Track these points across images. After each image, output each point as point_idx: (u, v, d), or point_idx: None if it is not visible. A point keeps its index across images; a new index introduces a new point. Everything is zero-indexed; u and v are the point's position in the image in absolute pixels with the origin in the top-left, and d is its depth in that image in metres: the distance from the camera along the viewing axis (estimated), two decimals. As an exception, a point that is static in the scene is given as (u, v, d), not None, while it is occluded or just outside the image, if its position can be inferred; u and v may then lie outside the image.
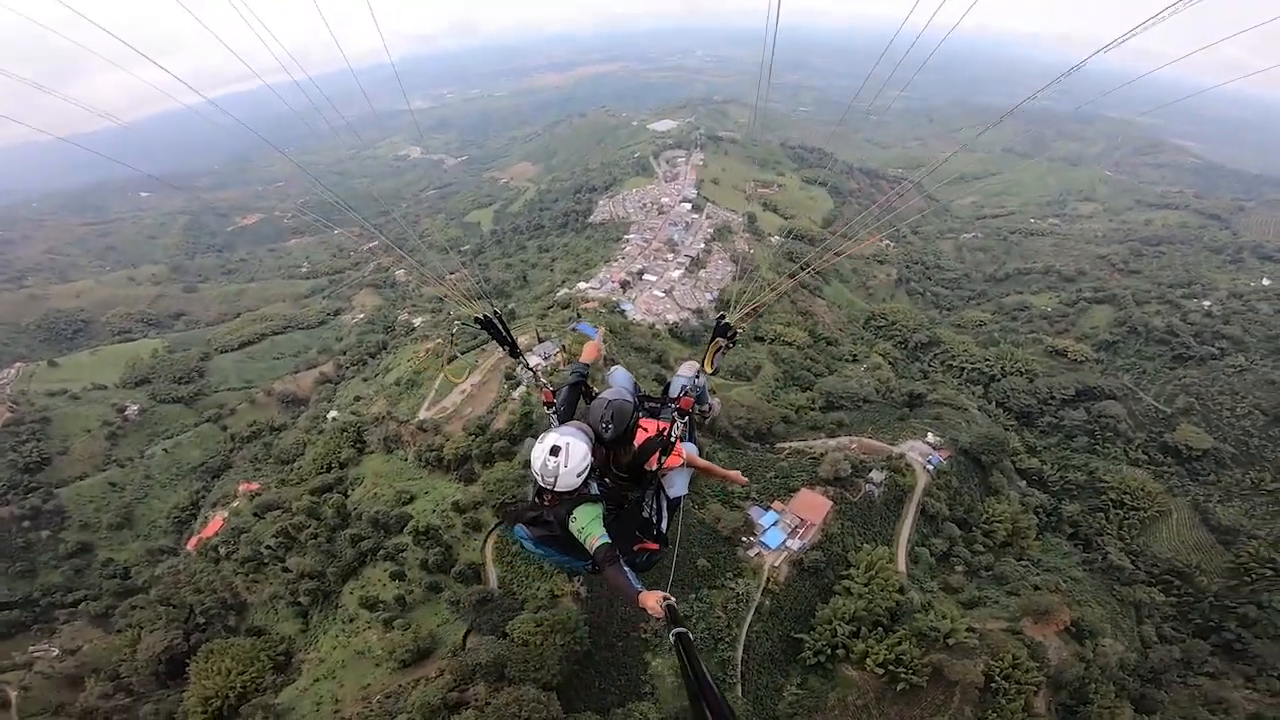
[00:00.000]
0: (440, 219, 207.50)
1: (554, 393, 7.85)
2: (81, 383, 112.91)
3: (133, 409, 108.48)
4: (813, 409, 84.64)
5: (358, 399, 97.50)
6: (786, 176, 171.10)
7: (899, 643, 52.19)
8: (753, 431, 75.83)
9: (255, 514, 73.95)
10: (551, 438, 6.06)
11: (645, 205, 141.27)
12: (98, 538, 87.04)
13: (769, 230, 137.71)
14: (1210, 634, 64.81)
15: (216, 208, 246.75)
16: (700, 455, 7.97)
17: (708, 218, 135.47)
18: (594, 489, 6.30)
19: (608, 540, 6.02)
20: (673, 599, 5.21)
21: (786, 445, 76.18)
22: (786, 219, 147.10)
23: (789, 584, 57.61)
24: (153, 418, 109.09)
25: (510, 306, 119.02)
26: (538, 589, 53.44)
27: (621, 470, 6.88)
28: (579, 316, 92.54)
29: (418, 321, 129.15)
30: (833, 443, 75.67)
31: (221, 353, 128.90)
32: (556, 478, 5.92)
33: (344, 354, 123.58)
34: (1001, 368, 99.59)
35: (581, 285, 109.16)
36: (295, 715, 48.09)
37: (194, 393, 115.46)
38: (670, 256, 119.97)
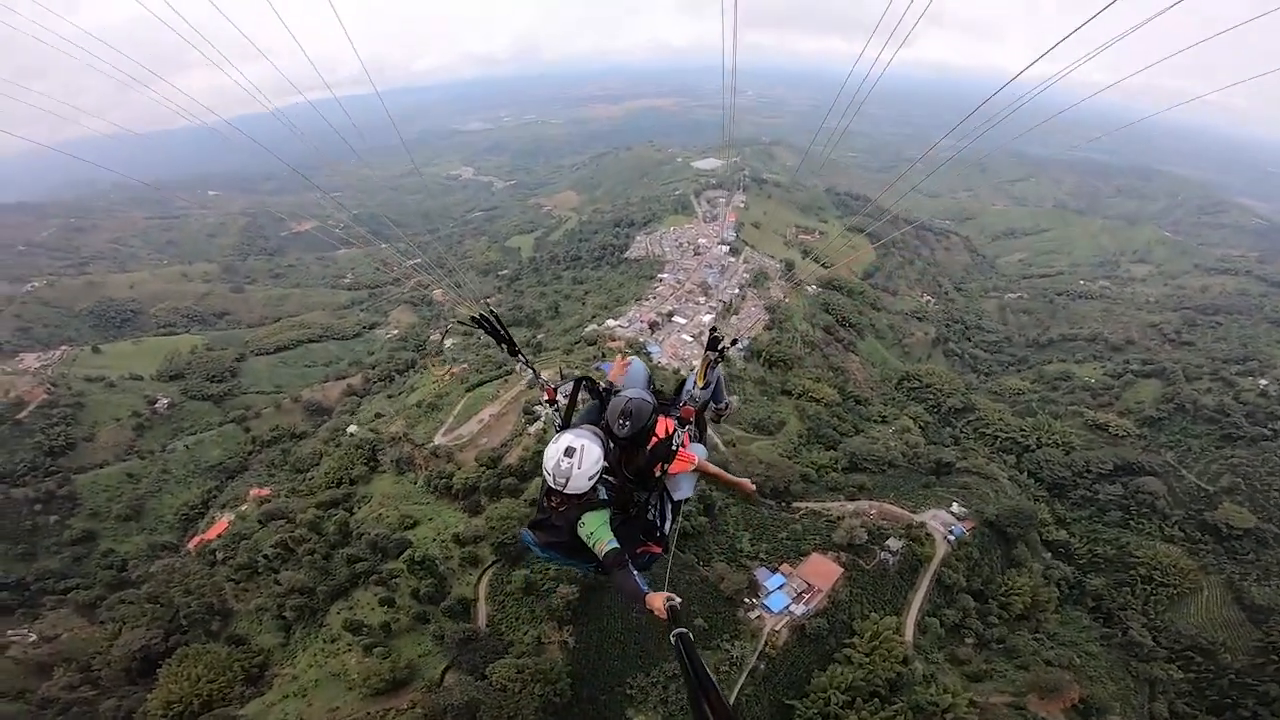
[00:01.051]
0: (484, 241, 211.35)
1: (555, 390, 7.90)
2: (120, 371, 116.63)
3: (163, 402, 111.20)
4: (835, 469, 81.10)
5: (379, 416, 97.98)
6: (829, 223, 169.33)
7: (894, 716, 49.55)
8: (769, 489, 72.69)
9: (260, 521, 74.19)
10: (567, 438, 6.06)
11: (682, 245, 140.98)
12: (103, 527, 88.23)
13: (806, 279, 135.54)
14: (1226, 711, 61.58)
15: (274, 211, 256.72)
16: (710, 459, 7.86)
17: (745, 262, 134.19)
18: (602, 493, 6.30)
19: (616, 545, 6.03)
20: (678, 600, 5.24)
21: (803, 506, 72.77)
22: (826, 267, 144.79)
23: (787, 649, 55.00)
24: (181, 412, 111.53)
25: (539, 337, 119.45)
26: (525, 633, 51.66)
27: (631, 472, 6.83)
28: (604, 356, 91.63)
29: (448, 344, 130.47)
30: (851, 506, 72.43)
31: (257, 355, 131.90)
32: (569, 479, 5.91)
33: (373, 368, 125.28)
34: (1037, 439, 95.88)
35: (610, 322, 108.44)
36: None
37: (224, 392, 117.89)
38: (702, 300, 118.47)
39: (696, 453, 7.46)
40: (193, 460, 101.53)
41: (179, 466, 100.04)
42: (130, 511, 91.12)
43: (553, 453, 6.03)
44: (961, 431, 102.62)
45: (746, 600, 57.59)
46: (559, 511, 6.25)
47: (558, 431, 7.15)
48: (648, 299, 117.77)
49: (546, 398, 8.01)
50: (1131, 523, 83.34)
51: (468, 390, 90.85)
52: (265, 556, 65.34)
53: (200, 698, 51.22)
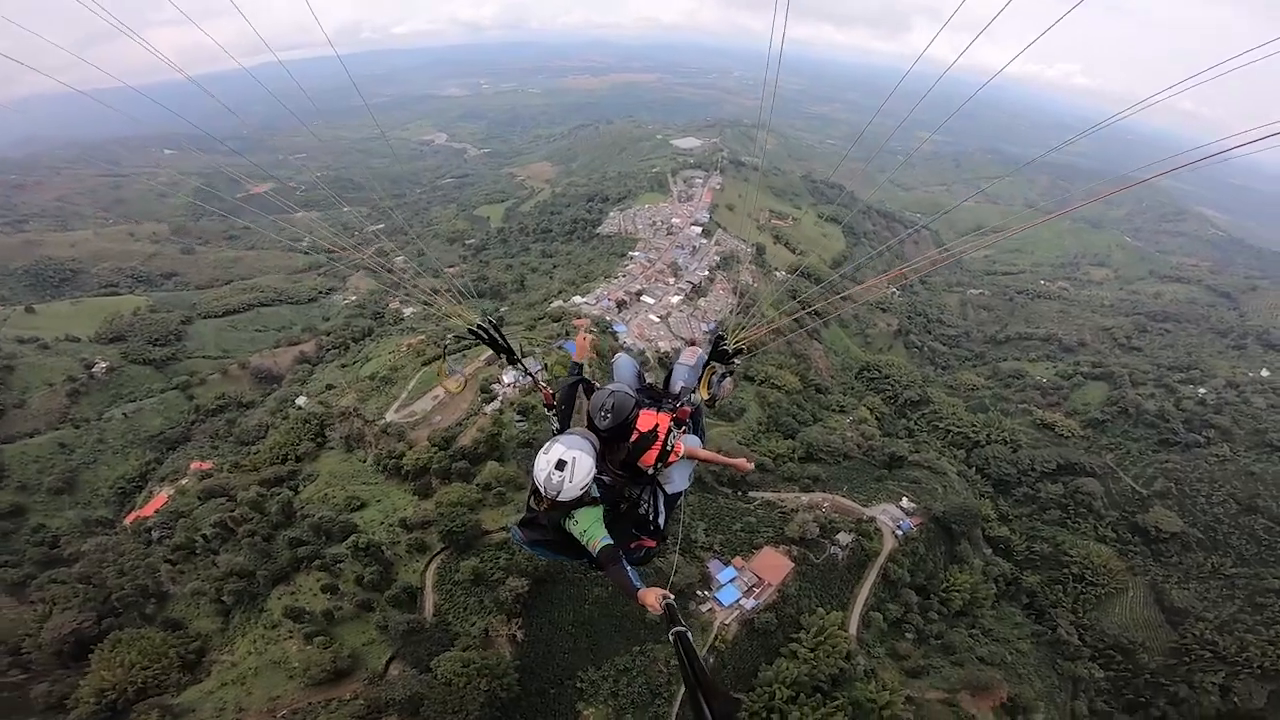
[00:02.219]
0: (452, 209, 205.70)
1: (553, 394, 7.75)
2: (55, 333, 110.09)
3: (101, 366, 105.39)
4: (791, 459, 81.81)
5: (329, 388, 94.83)
6: (803, 210, 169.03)
7: (833, 713, 50.94)
8: (726, 478, 72.83)
9: (200, 497, 70.91)
10: (558, 450, 6.02)
11: (655, 223, 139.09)
12: (33, 501, 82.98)
13: (776, 264, 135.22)
14: (1138, 710, 65.34)
15: (229, 172, 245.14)
16: (703, 446, 7.81)
17: (716, 244, 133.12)
18: (594, 491, 6.26)
19: (610, 542, 6.05)
20: (672, 597, 5.24)
21: (759, 496, 73.54)
22: (796, 254, 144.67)
23: (736, 643, 55.83)
24: (120, 378, 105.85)
25: (502, 310, 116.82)
26: (473, 624, 50.71)
27: (618, 467, 6.84)
28: (567, 334, 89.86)
29: (408, 312, 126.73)
30: (805, 498, 73.80)
31: (205, 318, 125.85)
32: (560, 491, 5.92)
33: (328, 335, 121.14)
34: (987, 435, 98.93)
35: (577, 299, 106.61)
36: (194, 718, 45.15)
37: (168, 356, 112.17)
38: (672, 280, 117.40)
39: (688, 442, 7.39)
40: (131, 430, 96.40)
41: (116, 436, 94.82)
42: (62, 484, 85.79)
43: (543, 465, 5.99)
44: (916, 424, 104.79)
45: (699, 593, 57.93)
46: (547, 512, 6.26)
47: (553, 434, 7.08)
48: (617, 277, 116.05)
49: (545, 402, 7.83)
50: (1069, 522, 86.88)
51: (424, 364, 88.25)
52: (204, 536, 62.53)
53: (135, 685, 49.01)
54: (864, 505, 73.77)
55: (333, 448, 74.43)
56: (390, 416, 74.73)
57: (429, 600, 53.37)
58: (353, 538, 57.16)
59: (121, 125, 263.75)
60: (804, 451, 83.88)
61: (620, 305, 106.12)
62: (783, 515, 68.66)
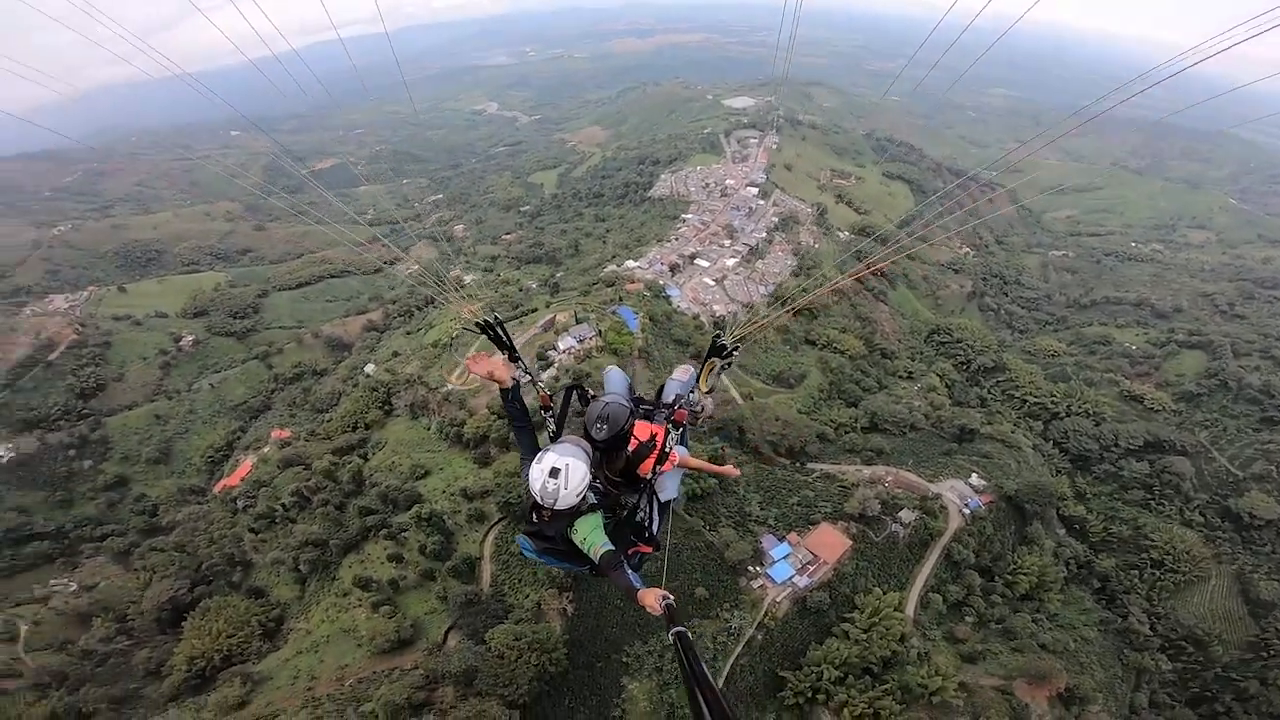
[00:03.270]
0: (506, 176, 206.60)
1: (550, 397, 7.86)
2: (145, 309, 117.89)
3: (188, 339, 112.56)
4: (854, 429, 78.62)
5: (395, 355, 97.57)
6: (866, 168, 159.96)
7: (881, 696, 49.40)
8: (784, 448, 70.79)
9: (280, 466, 74.78)
10: (550, 459, 6.07)
11: (709, 185, 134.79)
12: (135, 471, 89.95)
13: (839, 224, 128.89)
14: (1202, 704, 61.32)
15: (296, 150, 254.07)
16: (691, 455, 8.15)
17: (774, 205, 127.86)
18: (591, 499, 6.41)
19: (610, 548, 6.20)
20: (672, 597, 5.28)
21: (818, 468, 71.07)
22: (860, 213, 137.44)
23: (786, 620, 54.54)
24: (206, 349, 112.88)
25: (558, 276, 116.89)
26: (526, 597, 51.65)
27: (615, 475, 6.99)
28: (620, 299, 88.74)
29: (469, 279, 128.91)
30: (867, 472, 70.45)
31: (279, 290, 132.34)
32: (556, 499, 5.99)
33: (393, 304, 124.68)
34: (1067, 406, 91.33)
35: (630, 263, 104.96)
36: (271, 686, 48.08)
37: (247, 328, 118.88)
38: (727, 243, 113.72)
39: (679, 452, 7.64)
40: (218, 399, 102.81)
41: (205, 406, 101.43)
42: (159, 454, 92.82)
43: (537, 474, 6.04)
44: (989, 392, 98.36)
45: (750, 569, 56.65)
46: (549, 523, 6.30)
47: (549, 440, 7.31)
48: (670, 240, 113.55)
49: (542, 404, 7.88)
50: (1153, 503, 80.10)
51: (482, 332, 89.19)
52: (283, 505, 66.10)
53: (220, 653, 52.71)
54: (930, 481, 69.90)
55: (399, 415, 76.83)
56: (452, 384, 76.09)
57: (486, 570, 54.62)
58: (416, 508, 58.88)
59: (186, 111, 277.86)
60: (867, 421, 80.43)
61: (673, 269, 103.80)
62: (842, 490, 66.06)
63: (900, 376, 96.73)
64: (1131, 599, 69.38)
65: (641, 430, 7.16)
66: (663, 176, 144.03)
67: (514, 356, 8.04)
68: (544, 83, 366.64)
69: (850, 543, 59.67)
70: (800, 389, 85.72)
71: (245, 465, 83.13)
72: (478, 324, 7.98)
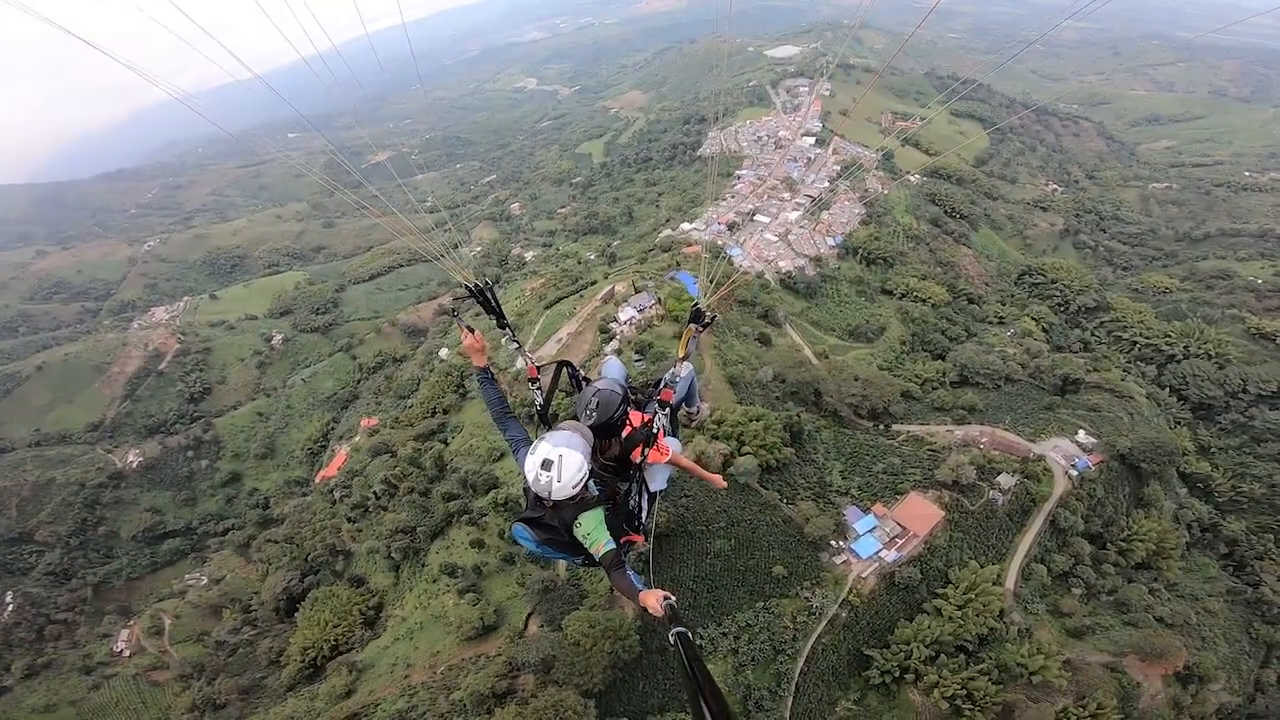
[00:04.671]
0: (554, 150, 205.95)
1: (538, 369, 7.80)
2: (236, 314, 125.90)
3: (278, 338, 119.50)
4: (941, 384, 73.78)
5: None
6: (931, 109, 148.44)
7: (976, 676, 46.44)
8: (866, 409, 67.23)
9: (370, 454, 78.38)
10: (544, 449, 5.93)
11: (760, 139, 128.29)
12: (245, 467, 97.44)
13: (908, 168, 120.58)
14: None
15: (352, 146, 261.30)
16: (684, 453, 8.09)
17: (834, 153, 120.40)
18: (594, 490, 6.29)
19: (614, 546, 6.08)
20: (673, 598, 5.28)
21: (904, 429, 66.81)
22: (931, 155, 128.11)
23: (873, 597, 51.36)
24: (294, 346, 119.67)
25: (614, 246, 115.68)
26: (600, 581, 51.35)
27: (608, 460, 6.97)
28: (678, 265, 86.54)
29: (529, 256, 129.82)
30: (959, 433, 65.06)
31: (354, 284, 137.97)
32: (551, 491, 5.89)
33: (460, 286, 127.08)
34: (1185, 348, 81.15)
35: (685, 226, 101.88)
36: (373, 674, 51.03)
37: (329, 322, 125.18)
38: (787, 196, 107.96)
39: (672, 446, 7.51)
40: (310, 393, 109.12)
41: (300, 400, 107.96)
42: (265, 450, 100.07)
43: (531, 465, 5.93)
44: (1093, 334, 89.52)
45: (832, 544, 53.75)
46: (553, 511, 6.14)
47: (537, 413, 7.46)
48: (726, 198, 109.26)
49: (530, 376, 7.81)
50: None
51: (546, 308, 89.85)
52: (375, 494, 69.29)
53: (329, 642, 56.47)
54: (1031, 440, 63.53)
55: (474, 398, 78.34)
56: (519, 363, 76.74)
57: None
58: (493, 493, 60.34)
59: (244, 116, 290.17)
60: (956, 375, 75.04)
61: (732, 228, 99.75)
62: (932, 454, 61.24)
63: (990, 322, 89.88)
64: (1264, 566, 62.35)
65: (635, 419, 7.14)
66: (711, 134, 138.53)
67: (502, 324, 7.95)
68: (579, 53, 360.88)
69: (943, 513, 55.03)
70: (880, 343, 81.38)
71: (340, 456, 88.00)
72: (469, 288, 7.80)
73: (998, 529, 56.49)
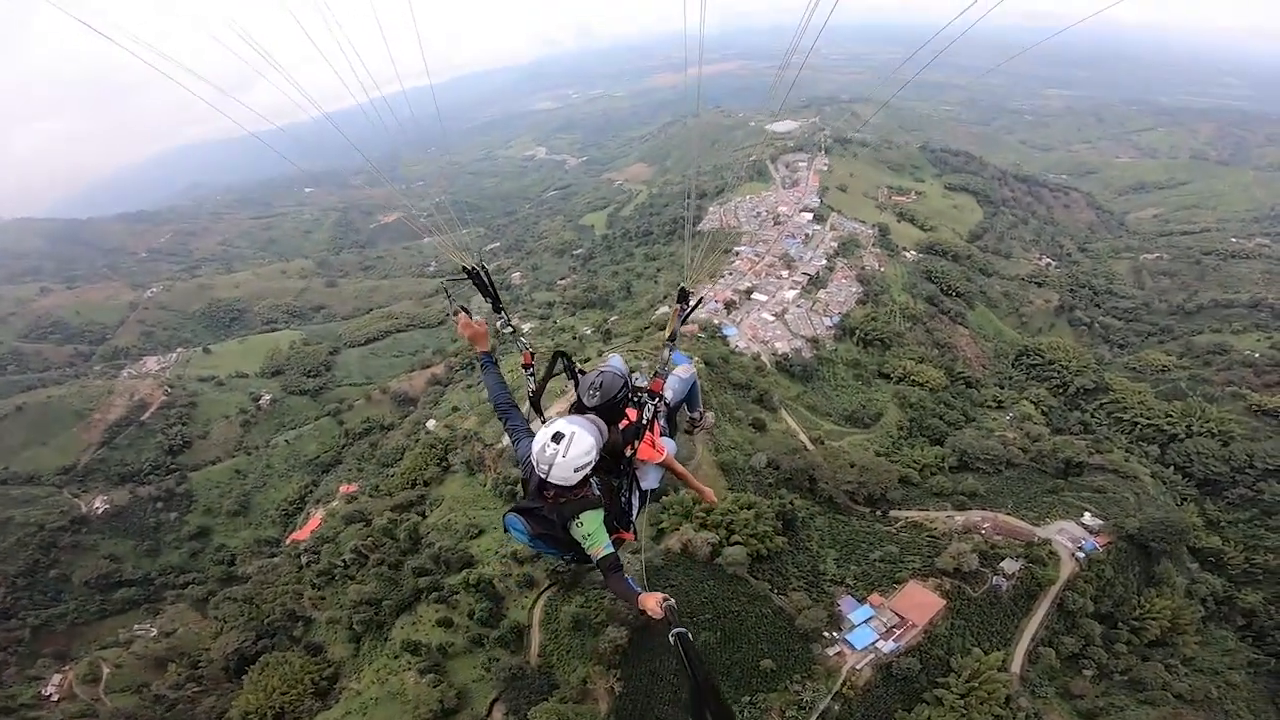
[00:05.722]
0: (559, 220, 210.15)
1: (533, 356, 7.71)
2: (228, 370, 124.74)
3: (266, 398, 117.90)
4: (940, 469, 71.76)
5: (455, 410, 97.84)
6: (927, 183, 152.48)
7: None
8: (862, 496, 64.91)
9: (344, 521, 75.68)
10: (559, 424, 5.88)
11: (760, 214, 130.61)
12: (216, 523, 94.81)
13: (904, 244, 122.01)
14: None
15: (362, 205, 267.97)
16: (678, 458, 8.01)
17: (831, 229, 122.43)
18: (595, 489, 6.18)
19: (612, 550, 6.04)
20: (672, 600, 5.25)
21: (902, 515, 64.70)
22: (926, 231, 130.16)
23: (868, 689, 48.12)
24: (282, 408, 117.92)
25: (610, 321, 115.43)
26: (573, 671, 48.28)
27: (603, 452, 6.56)
28: (674, 343, 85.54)
29: (526, 327, 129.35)
30: (960, 519, 63.26)
31: (349, 347, 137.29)
32: (551, 466, 5.69)
33: (455, 355, 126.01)
34: (1187, 427, 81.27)
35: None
36: None
37: (320, 386, 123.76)
38: (785, 274, 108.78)
39: (667, 446, 7.42)
40: (293, 455, 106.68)
41: (280, 461, 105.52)
42: (239, 507, 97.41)
43: (541, 437, 5.82)
44: (1093, 416, 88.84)
45: (826, 635, 50.83)
46: (552, 504, 5.93)
47: (529, 400, 7.43)
48: (723, 275, 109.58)
49: (524, 363, 7.66)
50: None
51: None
52: (344, 562, 66.37)
53: (273, 710, 52.83)
54: (1035, 525, 62.17)
55: (456, 472, 76.25)
56: (507, 440, 74.84)
57: (535, 638, 52.12)
58: (466, 572, 57.63)
59: (267, 167, 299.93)
60: (956, 460, 73.33)
61: (728, 306, 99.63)
62: (932, 540, 59.40)
63: (989, 406, 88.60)
64: None
65: (633, 415, 7.04)
66: (711, 209, 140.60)
67: (498, 306, 7.88)
68: (589, 124, 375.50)
69: (944, 602, 52.77)
70: (877, 428, 79.73)
71: (315, 520, 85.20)
72: (464, 269, 7.77)
73: (1002, 614, 54.19)
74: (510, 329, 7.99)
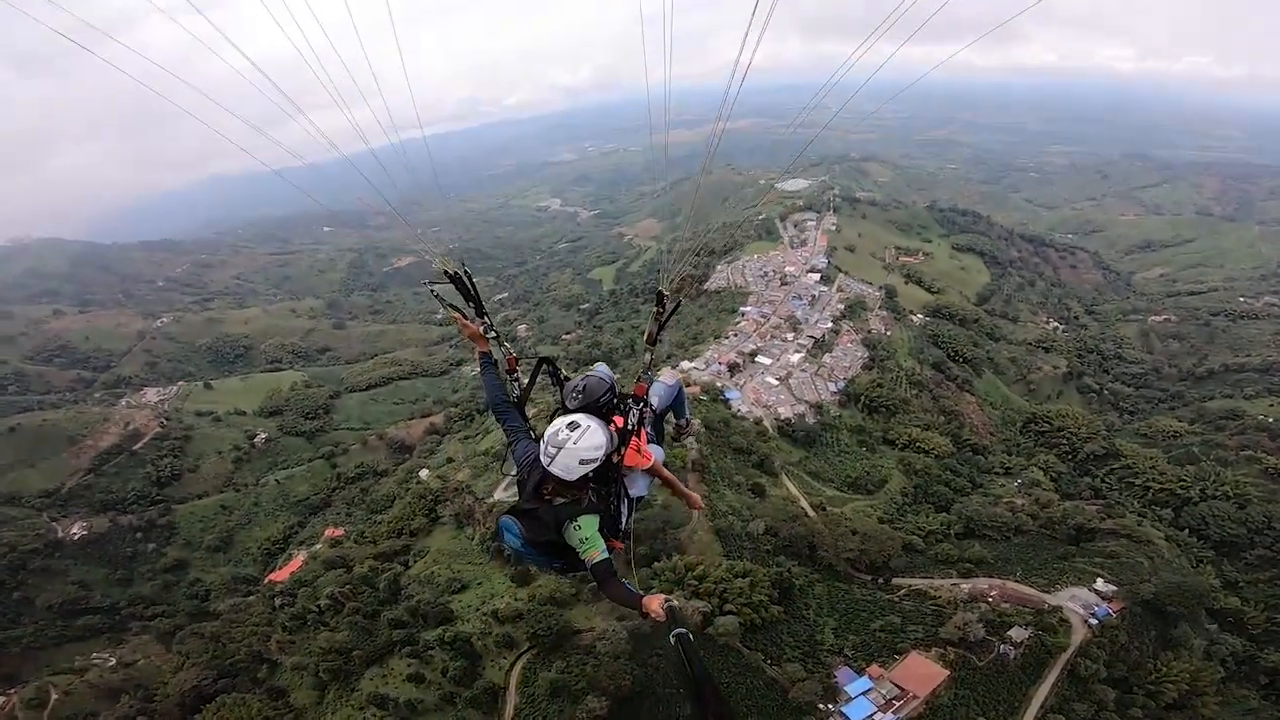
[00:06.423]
0: (568, 274, 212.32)
1: (517, 360, 7.75)
2: (227, 406, 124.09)
3: (261, 437, 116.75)
4: (946, 537, 68.82)
5: (450, 461, 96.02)
6: (934, 243, 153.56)
7: None
8: (865, 564, 62.06)
9: (325, 565, 73.44)
10: (576, 416, 6.06)
11: (767, 274, 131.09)
12: (195, 556, 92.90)
13: (911, 307, 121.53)
14: None
15: (378, 248, 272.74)
16: (666, 465, 7.91)
17: (838, 290, 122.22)
18: (591, 495, 6.12)
19: (608, 556, 5.90)
20: (674, 601, 5.16)
21: (906, 583, 61.71)
22: (933, 293, 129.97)
23: None
24: (276, 447, 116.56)
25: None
26: None
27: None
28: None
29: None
30: (966, 587, 60.42)
31: (350, 392, 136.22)
32: (559, 450, 5.74)
33: (455, 406, 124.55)
34: (1202, 490, 79.59)
35: (685, 365, 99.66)
36: None
37: (317, 428, 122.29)
38: (790, 336, 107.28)
39: (655, 453, 7.41)
40: (282, 494, 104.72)
41: (269, 500, 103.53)
42: (220, 543, 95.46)
43: (556, 425, 5.95)
44: (1104, 481, 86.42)
45: (820, 707, 47.84)
46: (549, 504, 5.95)
47: (514, 399, 7.45)
48: (728, 336, 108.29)
49: (508, 367, 7.67)
50: None
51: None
52: (318, 608, 63.99)
53: None
54: (1045, 592, 59.67)
55: (445, 524, 74.14)
56: (499, 495, 72.77)
57: (511, 702, 49.48)
58: (441, 629, 55.34)
59: (289, 204, 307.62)
60: (962, 527, 70.38)
61: (733, 369, 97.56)
62: (936, 610, 56.60)
63: (997, 473, 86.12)
64: None
65: (620, 421, 6.81)
66: (719, 267, 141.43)
67: (480, 310, 7.87)
68: (603, 177, 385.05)
69: (947, 672, 50.06)
70: (880, 494, 77.14)
71: (297, 560, 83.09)
72: (446, 273, 7.80)
73: (1009, 683, 51.09)
74: (494, 334, 7.90)
